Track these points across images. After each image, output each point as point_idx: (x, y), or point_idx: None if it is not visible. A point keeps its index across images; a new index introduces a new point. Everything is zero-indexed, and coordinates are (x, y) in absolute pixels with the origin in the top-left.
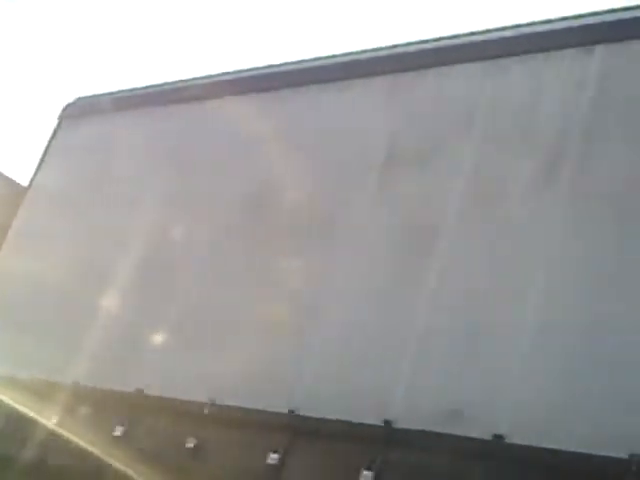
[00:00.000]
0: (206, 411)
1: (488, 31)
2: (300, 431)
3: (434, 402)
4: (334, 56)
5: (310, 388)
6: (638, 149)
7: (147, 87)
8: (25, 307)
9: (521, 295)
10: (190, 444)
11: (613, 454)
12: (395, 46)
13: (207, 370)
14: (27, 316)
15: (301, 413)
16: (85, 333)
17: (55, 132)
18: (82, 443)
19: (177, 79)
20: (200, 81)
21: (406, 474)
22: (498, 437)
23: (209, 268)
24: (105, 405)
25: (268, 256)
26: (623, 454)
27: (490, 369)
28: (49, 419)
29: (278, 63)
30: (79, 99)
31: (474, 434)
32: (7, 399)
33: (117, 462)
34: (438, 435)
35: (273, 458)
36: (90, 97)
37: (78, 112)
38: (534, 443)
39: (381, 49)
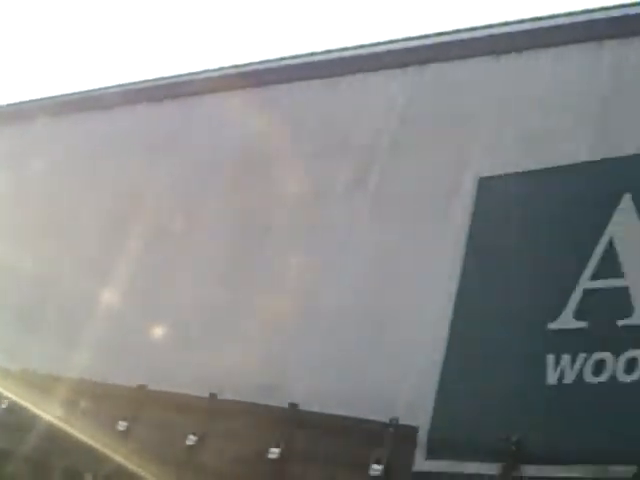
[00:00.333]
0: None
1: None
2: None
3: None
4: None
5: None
6: (429, 158)
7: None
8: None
9: (335, 284)
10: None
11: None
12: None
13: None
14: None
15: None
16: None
17: None
18: (85, 438)
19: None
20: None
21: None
22: (293, 405)
23: None
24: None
25: None
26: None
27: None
28: (51, 413)
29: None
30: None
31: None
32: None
33: (121, 457)
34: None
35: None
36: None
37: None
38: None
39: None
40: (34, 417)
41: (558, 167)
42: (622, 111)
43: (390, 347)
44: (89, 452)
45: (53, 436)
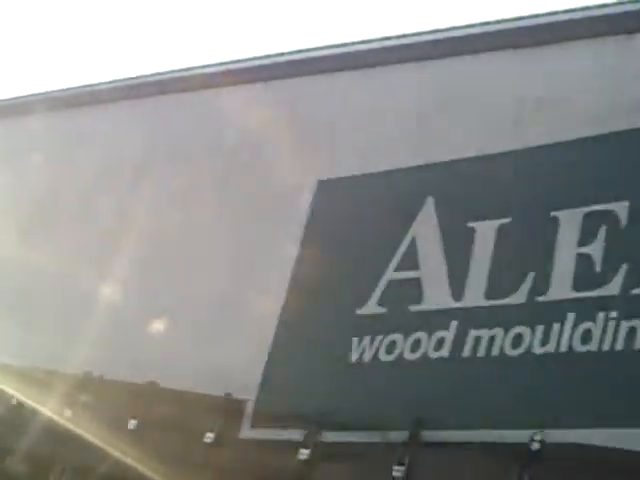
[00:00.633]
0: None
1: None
2: None
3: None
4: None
5: None
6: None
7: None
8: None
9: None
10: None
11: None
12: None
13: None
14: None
15: None
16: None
17: None
18: (95, 438)
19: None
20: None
21: None
22: (152, 383)
23: None
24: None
25: None
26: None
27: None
28: (59, 412)
29: None
30: None
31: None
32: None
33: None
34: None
35: None
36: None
37: None
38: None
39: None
40: (39, 414)
41: (379, 172)
42: (436, 126)
43: (235, 328)
44: (92, 449)
45: (54, 432)
